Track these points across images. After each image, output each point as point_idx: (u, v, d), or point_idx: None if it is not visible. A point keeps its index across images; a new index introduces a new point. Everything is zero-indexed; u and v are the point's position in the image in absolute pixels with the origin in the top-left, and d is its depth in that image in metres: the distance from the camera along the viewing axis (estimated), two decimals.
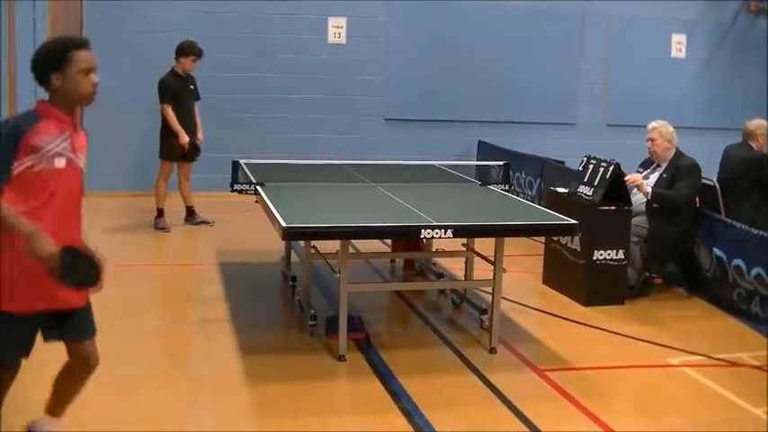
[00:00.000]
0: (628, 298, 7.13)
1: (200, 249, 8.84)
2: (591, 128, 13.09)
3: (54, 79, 3.60)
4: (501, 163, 8.10)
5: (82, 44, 3.66)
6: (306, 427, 4.63)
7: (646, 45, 13.27)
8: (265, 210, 5.98)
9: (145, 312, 6.63)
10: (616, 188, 7.05)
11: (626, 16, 13.10)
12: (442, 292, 7.25)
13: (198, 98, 9.68)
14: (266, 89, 11.88)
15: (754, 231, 6.66)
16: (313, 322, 6.03)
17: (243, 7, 11.65)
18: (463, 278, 7.08)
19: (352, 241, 6.23)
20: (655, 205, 7.22)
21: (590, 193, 7.13)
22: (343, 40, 12.15)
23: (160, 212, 9.42)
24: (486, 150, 12.15)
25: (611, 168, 7.06)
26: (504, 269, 5.89)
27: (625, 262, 7.05)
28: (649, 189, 7.19)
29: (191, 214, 9.77)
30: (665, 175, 7.31)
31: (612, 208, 7.04)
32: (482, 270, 6.55)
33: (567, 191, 7.60)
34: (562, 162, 10.10)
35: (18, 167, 3.50)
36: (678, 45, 13.52)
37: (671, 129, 7.39)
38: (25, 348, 3.74)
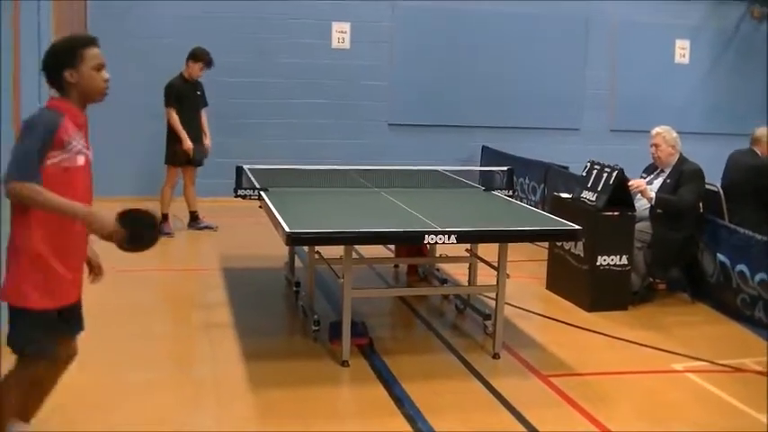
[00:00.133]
0: (631, 303, 7.13)
1: (203, 254, 8.85)
2: (595, 133, 13.10)
3: (68, 76, 3.67)
4: (505, 168, 8.09)
5: (91, 42, 3.76)
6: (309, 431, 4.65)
7: (649, 51, 13.29)
8: (269, 215, 5.99)
9: (149, 317, 6.64)
10: (620, 194, 7.06)
11: (630, 22, 13.11)
12: (445, 297, 7.25)
13: (205, 104, 9.71)
14: (270, 94, 11.90)
15: (758, 237, 6.65)
16: (316, 327, 6.03)
17: (247, 12, 11.67)
18: (467, 284, 7.08)
19: (356, 246, 6.24)
20: (658, 211, 7.21)
21: (594, 199, 7.14)
22: (346, 45, 12.17)
23: (164, 218, 9.43)
24: (489, 156, 12.15)
25: (614, 174, 7.06)
26: (508, 275, 5.89)
27: (629, 267, 7.05)
28: (653, 194, 7.19)
29: (194, 219, 9.78)
30: (668, 181, 7.31)
31: (616, 213, 7.04)
32: (485, 275, 6.55)
33: (570, 196, 7.60)
34: (566, 167, 10.10)
35: (48, 162, 3.56)
36: (682, 51, 13.53)
37: (674, 134, 7.39)
38: (56, 342, 3.81)
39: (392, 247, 7.85)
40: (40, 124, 3.57)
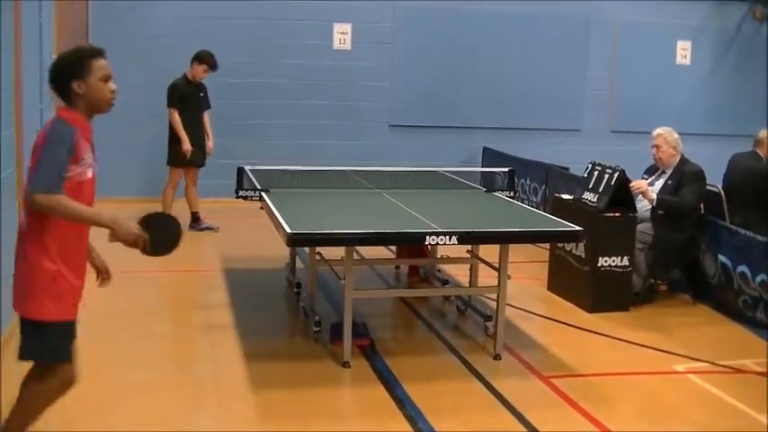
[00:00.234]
0: (632, 305, 7.12)
1: (204, 255, 8.85)
2: (596, 134, 13.10)
3: (76, 87, 3.71)
4: (506, 169, 8.09)
5: (99, 53, 3.79)
6: None
7: (651, 52, 13.28)
8: (270, 216, 5.99)
9: (150, 318, 6.64)
10: (621, 195, 7.05)
11: (631, 22, 13.11)
12: (446, 298, 7.25)
13: (208, 106, 9.72)
14: (271, 95, 11.90)
15: (759, 238, 6.65)
16: (317, 328, 6.03)
17: (248, 13, 11.66)
18: (468, 285, 7.08)
19: (357, 247, 6.24)
20: (660, 212, 7.21)
21: (595, 200, 7.14)
22: (348, 46, 12.17)
23: None
24: (491, 157, 12.15)
25: (615, 175, 7.06)
26: (509, 276, 5.89)
27: (630, 269, 7.05)
28: (654, 196, 7.19)
29: (195, 220, 9.78)
30: (669, 182, 7.31)
31: (617, 215, 7.04)
32: (487, 277, 6.56)
33: (571, 197, 7.60)
34: (567, 168, 10.09)
35: (67, 175, 3.60)
36: (683, 52, 13.52)
37: (676, 135, 7.39)
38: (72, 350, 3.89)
39: (393, 248, 7.85)
40: (64, 138, 3.62)
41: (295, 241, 5.40)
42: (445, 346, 6.14)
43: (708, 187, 7.49)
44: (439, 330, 6.49)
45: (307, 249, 6.72)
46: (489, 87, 12.59)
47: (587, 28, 13.01)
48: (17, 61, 6.04)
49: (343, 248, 5.63)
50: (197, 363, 5.84)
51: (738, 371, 5.83)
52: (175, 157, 9.41)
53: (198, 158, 9.48)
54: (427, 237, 5.37)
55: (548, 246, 7.86)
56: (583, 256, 7.12)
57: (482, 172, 10.69)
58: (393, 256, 7.92)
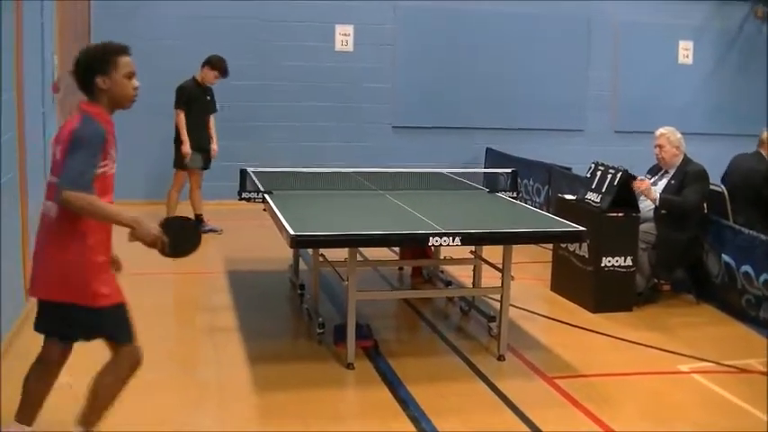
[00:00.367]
0: (636, 305, 7.12)
1: (208, 258, 8.84)
2: (599, 134, 13.10)
3: (100, 82, 3.82)
4: (509, 170, 8.10)
5: (124, 50, 3.93)
6: None
7: (653, 52, 13.28)
8: (273, 218, 6.00)
9: (153, 319, 6.60)
10: (624, 195, 7.05)
11: (632, 23, 13.11)
12: (450, 299, 7.24)
13: (215, 110, 9.73)
14: (273, 97, 11.91)
15: (763, 237, 6.65)
16: (321, 330, 6.03)
17: (250, 15, 11.68)
18: (471, 286, 7.07)
19: (360, 249, 6.24)
20: (662, 211, 7.21)
21: (598, 200, 7.13)
22: (350, 47, 12.18)
23: None
24: (493, 157, 12.16)
25: (618, 175, 7.06)
26: (513, 276, 5.89)
27: (633, 269, 7.04)
28: (657, 195, 7.18)
29: (199, 222, 9.78)
30: (672, 182, 7.30)
31: (620, 215, 7.04)
32: (490, 277, 6.55)
33: (574, 198, 7.59)
34: (570, 169, 10.09)
35: (99, 170, 3.71)
36: (685, 51, 13.53)
37: (678, 135, 7.38)
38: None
39: (396, 249, 7.85)
40: (94, 138, 3.70)
41: (298, 243, 5.40)
42: (449, 347, 6.14)
43: (711, 187, 7.49)
44: (442, 331, 6.49)
45: (310, 251, 6.72)
46: (492, 88, 12.60)
47: (589, 28, 13.01)
48: (18, 62, 6.03)
49: (346, 250, 5.64)
50: (200, 364, 5.85)
51: (742, 370, 5.82)
52: (180, 160, 9.43)
53: (196, 163, 9.47)
54: (430, 238, 5.37)
55: (551, 246, 7.85)
56: (586, 256, 7.12)
57: (485, 173, 10.71)
58: (396, 258, 7.92)
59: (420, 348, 6.29)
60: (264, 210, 6.63)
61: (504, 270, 5.86)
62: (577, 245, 7.16)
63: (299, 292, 7.00)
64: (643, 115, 12.55)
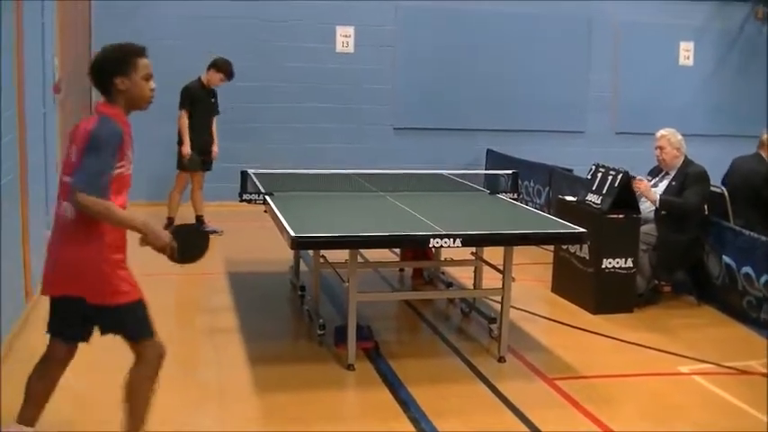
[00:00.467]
0: (637, 306, 7.12)
1: (208, 258, 8.74)
2: (599, 136, 13.09)
3: (119, 83, 3.84)
4: (509, 172, 8.10)
5: (143, 52, 3.93)
6: None
7: (653, 53, 13.28)
8: (274, 219, 6.00)
9: (154, 321, 6.62)
10: (625, 196, 7.05)
11: (633, 23, 13.11)
12: (450, 301, 7.24)
13: (218, 113, 9.74)
14: (274, 98, 11.91)
15: (764, 239, 6.65)
16: (322, 331, 6.03)
17: (250, 16, 11.68)
18: (472, 287, 7.07)
19: (361, 250, 6.24)
20: (663, 212, 7.21)
21: (599, 202, 7.13)
22: (351, 48, 12.18)
23: (170, 221, 9.47)
24: (494, 159, 12.16)
25: (619, 176, 7.06)
26: (513, 278, 5.89)
27: (634, 270, 7.04)
28: (656, 196, 7.18)
29: (200, 224, 9.78)
30: (673, 183, 7.30)
31: (621, 216, 7.03)
32: (491, 279, 6.55)
33: (575, 199, 7.59)
34: (570, 170, 10.09)
35: (115, 171, 3.75)
36: (686, 53, 13.53)
37: (679, 137, 7.39)
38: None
39: (397, 250, 7.85)
40: (112, 139, 3.74)
41: (299, 244, 5.41)
42: (449, 348, 6.14)
43: (712, 188, 7.49)
44: (443, 333, 6.49)
45: (311, 252, 6.72)
46: (492, 89, 12.60)
47: (589, 29, 13.02)
48: (19, 62, 6.03)
49: (347, 251, 5.64)
50: (201, 365, 5.85)
51: (743, 372, 5.82)
52: (182, 161, 9.45)
53: (195, 164, 9.47)
54: (431, 239, 5.37)
55: (552, 248, 7.85)
56: (587, 257, 7.12)
57: (486, 174, 10.71)
58: (397, 259, 7.92)
59: (421, 350, 6.29)
60: (265, 211, 6.63)
61: (504, 271, 5.86)
62: (578, 246, 7.17)
63: (299, 293, 7.00)
64: (644, 117, 12.55)
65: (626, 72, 13.22)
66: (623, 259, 6.99)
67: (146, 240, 3.80)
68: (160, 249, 3.84)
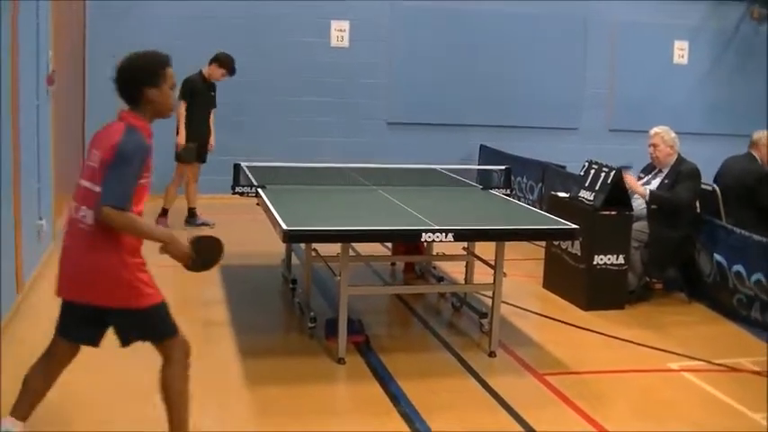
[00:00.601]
0: (628, 303, 7.13)
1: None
2: (593, 133, 13.10)
3: (149, 94, 3.83)
4: (502, 167, 8.10)
5: (169, 61, 3.96)
6: (305, 428, 4.64)
7: (648, 51, 13.29)
8: (266, 212, 6.00)
9: None
10: (617, 193, 7.06)
11: (629, 22, 13.11)
12: (442, 295, 7.25)
13: (214, 106, 9.74)
14: (269, 92, 11.89)
15: (755, 237, 6.66)
16: (313, 325, 6.04)
17: (245, 10, 11.66)
18: (463, 282, 7.09)
19: (353, 244, 6.24)
20: (653, 206, 7.22)
21: (591, 198, 7.14)
22: (345, 43, 12.17)
23: (164, 212, 9.48)
24: (487, 155, 12.16)
25: (612, 173, 7.07)
26: (505, 273, 5.90)
27: (625, 267, 7.06)
28: (645, 190, 7.20)
29: (192, 216, 9.79)
30: (666, 181, 7.32)
31: (613, 213, 7.04)
32: (482, 274, 6.56)
33: (568, 195, 7.60)
34: (563, 167, 10.10)
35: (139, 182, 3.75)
36: (681, 51, 13.54)
37: (673, 134, 7.40)
38: None
39: (389, 244, 7.86)
40: (138, 153, 3.72)
41: (291, 237, 5.41)
42: (440, 343, 6.15)
43: (703, 186, 7.50)
44: (434, 327, 6.49)
45: (302, 246, 6.72)
46: (487, 85, 12.60)
47: (586, 28, 13.02)
48: (14, 61, 6.02)
49: (338, 245, 5.64)
50: (192, 359, 5.80)
51: (733, 369, 5.84)
52: (180, 153, 9.46)
53: (189, 155, 9.47)
54: (423, 234, 5.37)
55: (543, 243, 7.87)
56: (578, 254, 7.13)
57: (479, 170, 10.70)
58: (389, 253, 7.93)
59: (411, 344, 6.30)
60: (258, 204, 6.63)
61: (496, 267, 5.86)
62: (570, 242, 7.18)
63: (291, 286, 7.01)
64: (638, 114, 12.55)
65: (621, 70, 13.22)
66: (615, 256, 7.00)
67: (167, 250, 3.85)
68: (180, 259, 3.90)
